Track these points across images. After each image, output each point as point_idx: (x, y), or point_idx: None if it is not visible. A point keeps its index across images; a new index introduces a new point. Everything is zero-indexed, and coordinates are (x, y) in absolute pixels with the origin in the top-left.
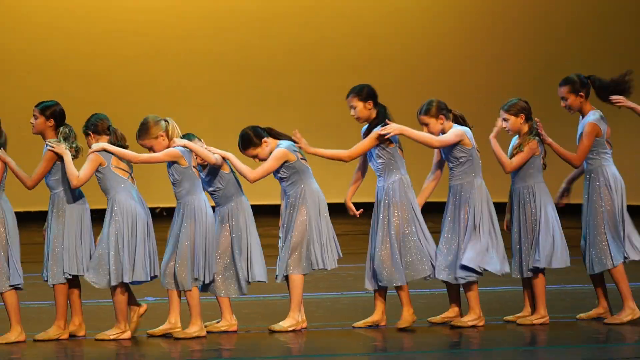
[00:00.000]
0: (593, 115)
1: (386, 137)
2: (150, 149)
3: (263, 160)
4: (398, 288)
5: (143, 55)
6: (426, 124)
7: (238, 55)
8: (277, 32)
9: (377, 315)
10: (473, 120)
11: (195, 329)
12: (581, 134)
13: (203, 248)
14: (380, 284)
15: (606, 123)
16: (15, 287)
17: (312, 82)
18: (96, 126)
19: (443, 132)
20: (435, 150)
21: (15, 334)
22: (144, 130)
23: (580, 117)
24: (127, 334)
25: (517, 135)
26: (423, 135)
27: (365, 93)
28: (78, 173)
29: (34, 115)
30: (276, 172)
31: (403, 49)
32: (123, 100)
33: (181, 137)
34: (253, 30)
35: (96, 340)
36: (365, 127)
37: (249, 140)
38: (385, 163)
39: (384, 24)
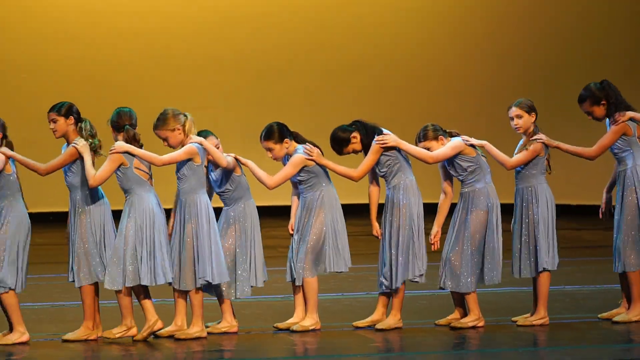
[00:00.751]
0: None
1: (382, 146)
2: (165, 140)
3: (276, 159)
4: (394, 290)
5: (143, 57)
6: (428, 149)
7: (238, 57)
8: (278, 34)
9: (377, 315)
10: (475, 121)
11: (196, 329)
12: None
13: (207, 248)
14: (387, 287)
15: (635, 122)
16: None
17: (313, 83)
18: (116, 122)
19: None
20: (439, 165)
21: (17, 335)
22: (162, 120)
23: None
24: (134, 331)
25: (524, 137)
26: (418, 150)
27: (346, 137)
28: (94, 175)
29: (52, 120)
30: (294, 176)
31: (405, 51)
32: (123, 103)
33: (199, 132)
34: (253, 32)
35: (101, 336)
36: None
37: (272, 133)
38: (390, 167)
39: (385, 25)
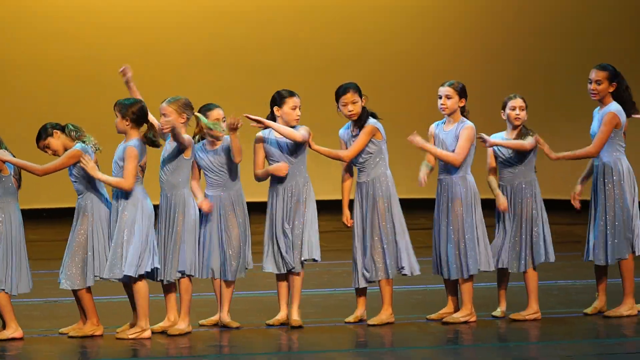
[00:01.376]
0: (615, 106)
1: (415, 143)
2: (163, 116)
3: (294, 121)
4: (383, 283)
5: (137, 55)
6: (449, 97)
7: (233, 54)
8: (272, 31)
9: (361, 309)
10: (473, 120)
11: (184, 325)
12: (600, 123)
13: (192, 243)
14: (370, 280)
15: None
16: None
17: (306, 80)
18: (136, 116)
19: (452, 117)
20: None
21: (10, 331)
22: (175, 100)
23: (598, 108)
24: (148, 333)
25: (507, 131)
26: (445, 154)
27: (359, 90)
28: (123, 180)
29: (44, 148)
30: (295, 152)
31: (399, 47)
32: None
33: (205, 106)
34: (248, 29)
35: (117, 338)
36: (343, 129)
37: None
38: (373, 156)
39: (380, 22)
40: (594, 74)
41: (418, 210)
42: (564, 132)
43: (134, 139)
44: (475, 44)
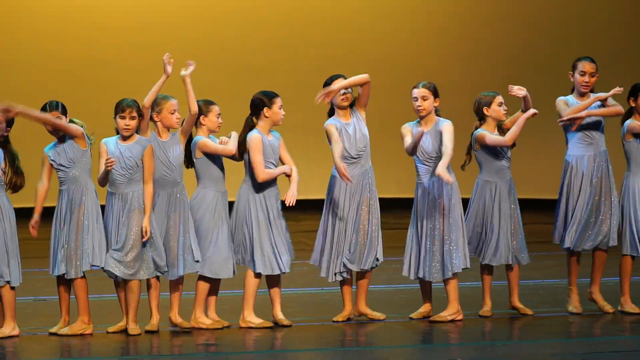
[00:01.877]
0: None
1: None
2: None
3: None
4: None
5: (136, 55)
6: (425, 98)
7: (229, 55)
8: (268, 32)
9: (349, 308)
10: (462, 120)
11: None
12: (602, 107)
13: (192, 236)
14: (350, 269)
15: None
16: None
17: (304, 80)
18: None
19: (424, 118)
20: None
21: (9, 329)
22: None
23: (570, 96)
24: (137, 330)
25: (488, 126)
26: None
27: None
28: (150, 183)
29: (59, 115)
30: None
31: (391, 48)
32: (108, 98)
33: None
34: (242, 28)
35: (108, 332)
36: (333, 120)
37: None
38: (367, 147)
39: (373, 23)
40: (590, 67)
41: (408, 210)
42: (558, 131)
43: (142, 136)
44: (468, 43)
